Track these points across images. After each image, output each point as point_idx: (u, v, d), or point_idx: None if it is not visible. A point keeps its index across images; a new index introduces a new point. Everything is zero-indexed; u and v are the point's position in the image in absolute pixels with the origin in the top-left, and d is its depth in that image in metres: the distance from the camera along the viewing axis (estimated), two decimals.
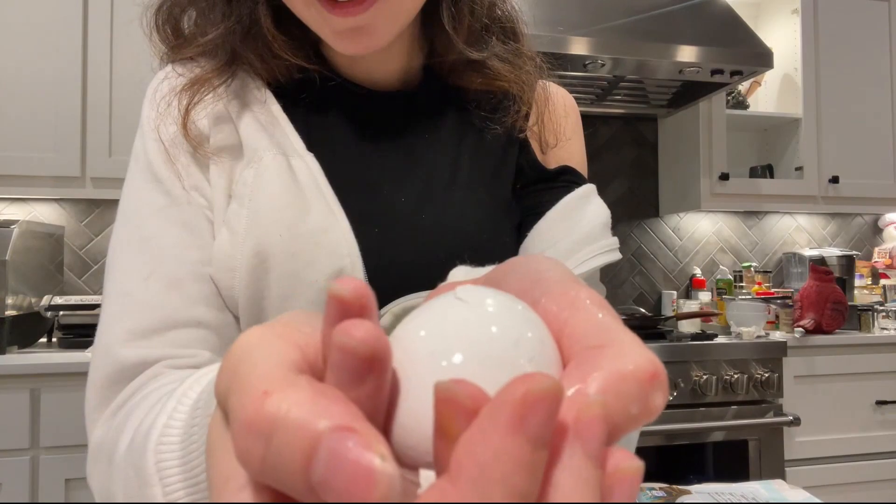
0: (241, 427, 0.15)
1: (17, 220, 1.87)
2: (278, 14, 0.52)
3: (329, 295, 0.17)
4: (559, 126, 0.61)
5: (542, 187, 0.58)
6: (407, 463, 0.17)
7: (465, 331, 0.17)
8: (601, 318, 0.18)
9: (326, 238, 0.50)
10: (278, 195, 0.50)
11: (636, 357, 0.17)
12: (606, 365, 0.16)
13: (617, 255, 0.54)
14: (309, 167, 0.51)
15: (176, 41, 0.55)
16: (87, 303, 1.84)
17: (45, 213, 2.21)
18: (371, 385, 0.16)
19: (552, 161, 0.61)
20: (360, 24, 0.47)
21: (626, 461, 0.15)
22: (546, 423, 0.14)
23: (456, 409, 0.15)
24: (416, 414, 0.16)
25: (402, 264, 0.51)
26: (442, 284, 0.23)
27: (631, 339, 0.17)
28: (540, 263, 0.21)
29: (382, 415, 0.17)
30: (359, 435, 0.14)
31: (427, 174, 0.56)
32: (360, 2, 0.46)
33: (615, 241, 0.55)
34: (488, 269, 0.23)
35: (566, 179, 0.58)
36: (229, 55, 0.53)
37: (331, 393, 0.15)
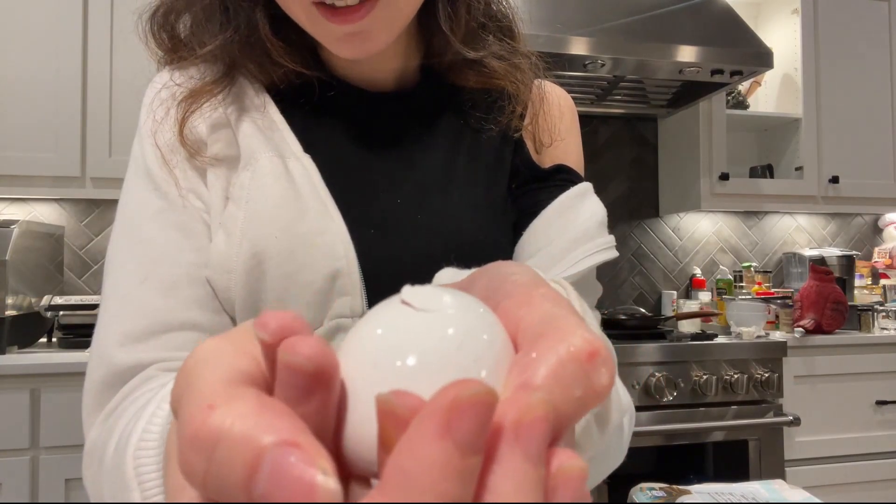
0: (184, 440, 0.15)
1: (17, 220, 1.87)
2: (275, 20, 0.52)
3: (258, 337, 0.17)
4: (554, 126, 0.61)
5: (538, 186, 0.58)
6: (359, 474, 0.17)
7: (408, 337, 0.17)
8: (549, 309, 0.18)
9: (322, 239, 0.50)
10: (275, 197, 0.50)
11: (574, 339, 0.17)
12: (545, 352, 0.16)
13: (613, 254, 0.54)
14: (306, 169, 0.52)
15: (173, 46, 0.55)
16: (86, 303, 1.84)
17: (45, 213, 2.21)
18: (318, 400, 0.16)
19: (547, 161, 0.61)
20: (358, 30, 0.47)
21: (570, 460, 0.15)
22: (476, 428, 0.14)
23: (395, 420, 0.15)
24: (363, 425, 0.16)
25: (398, 265, 0.51)
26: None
27: (572, 323, 0.17)
28: (509, 268, 0.21)
29: (332, 427, 0.17)
30: (302, 450, 0.14)
31: (423, 175, 0.56)
32: (358, 8, 0.46)
33: (611, 239, 0.55)
34: (469, 272, 0.23)
35: (562, 178, 0.58)
36: (228, 63, 0.53)
37: (277, 407, 0.15)
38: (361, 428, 0.16)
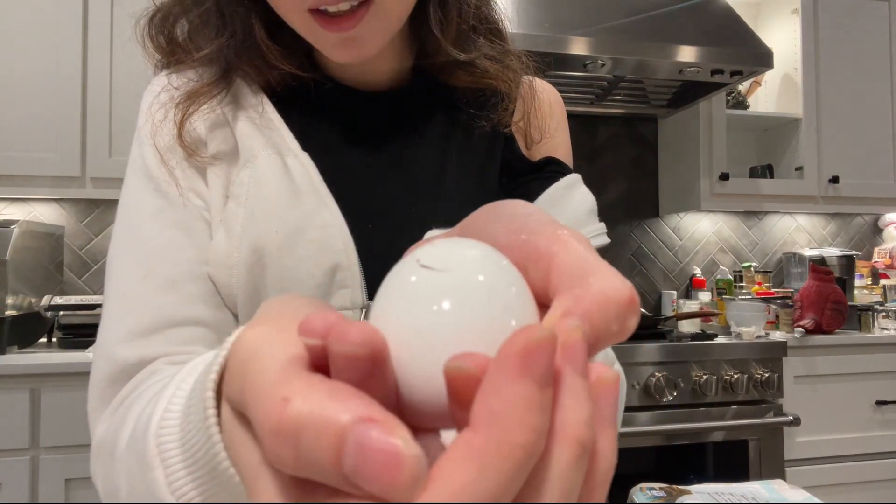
0: (268, 435, 0.16)
1: (17, 220, 1.87)
2: (270, 25, 0.53)
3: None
4: (544, 123, 0.63)
5: (529, 178, 0.60)
6: (423, 427, 0.18)
7: (439, 299, 0.18)
8: (581, 251, 0.20)
9: (322, 234, 0.51)
10: (274, 193, 0.51)
11: (617, 284, 0.19)
12: (592, 290, 0.19)
13: (605, 240, 0.56)
14: (304, 166, 0.53)
15: (170, 49, 0.57)
16: (87, 303, 1.84)
17: (45, 213, 2.21)
18: (378, 377, 0.17)
19: (537, 156, 0.63)
20: (351, 37, 0.49)
21: (605, 371, 0.18)
22: (547, 365, 0.16)
23: (466, 379, 0.16)
24: (423, 387, 0.18)
25: (396, 256, 0.52)
26: (419, 242, 0.24)
27: (610, 270, 0.20)
28: (522, 208, 0.23)
29: (393, 397, 0.18)
30: (380, 423, 0.15)
31: (417, 171, 0.57)
32: (351, 16, 0.48)
33: (602, 226, 0.57)
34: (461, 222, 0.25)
35: (552, 170, 0.60)
36: (225, 66, 0.55)
37: (344, 388, 0.16)
38: (422, 390, 0.18)
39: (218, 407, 0.28)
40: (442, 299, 0.18)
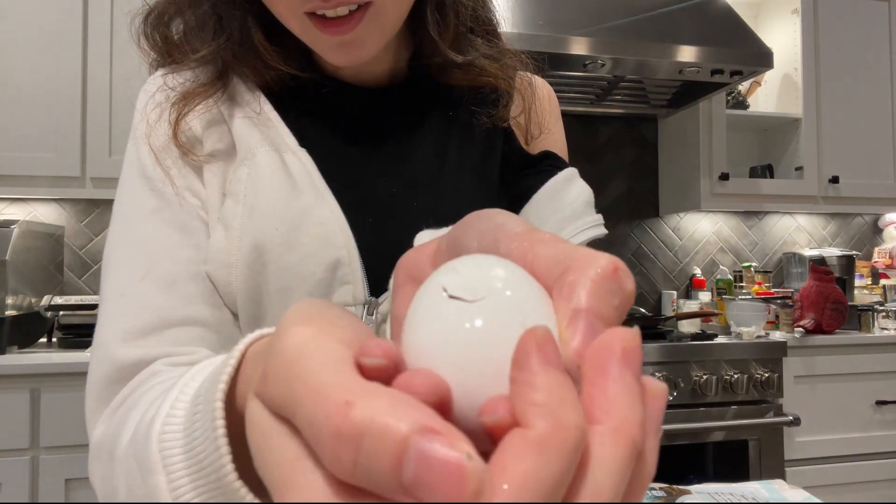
0: (329, 436, 0.16)
1: (17, 220, 1.87)
2: (267, 25, 0.53)
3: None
4: (543, 118, 0.65)
5: (528, 172, 0.61)
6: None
7: (475, 331, 0.18)
8: (558, 245, 0.21)
9: (323, 230, 0.51)
10: (273, 190, 0.51)
11: (597, 261, 0.20)
12: (580, 279, 0.19)
13: (603, 231, 0.57)
14: (302, 162, 0.53)
15: (166, 49, 0.56)
16: (87, 303, 1.84)
17: (45, 213, 2.21)
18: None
19: (535, 151, 0.64)
20: (349, 40, 0.49)
21: (655, 382, 0.19)
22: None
23: (505, 428, 0.17)
24: (471, 418, 0.18)
25: (397, 250, 0.52)
26: (409, 251, 0.25)
27: (587, 252, 0.20)
28: (497, 217, 0.23)
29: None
30: (443, 435, 0.15)
31: (415, 166, 0.57)
32: (349, 20, 0.48)
33: (599, 217, 0.58)
34: (447, 229, 0.25)
35: (549, 164, 0.61)
36: (221, 67, 0.55)
37: (407, 398, 0.16)
38: (472, 420, 0.18)
39: (225, 409, 0.28)
40: (478, 331, 0.18)
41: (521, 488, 0.15)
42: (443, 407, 0.17)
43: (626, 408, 0.17)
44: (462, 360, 0.18)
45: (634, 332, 0.18)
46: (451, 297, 0.19)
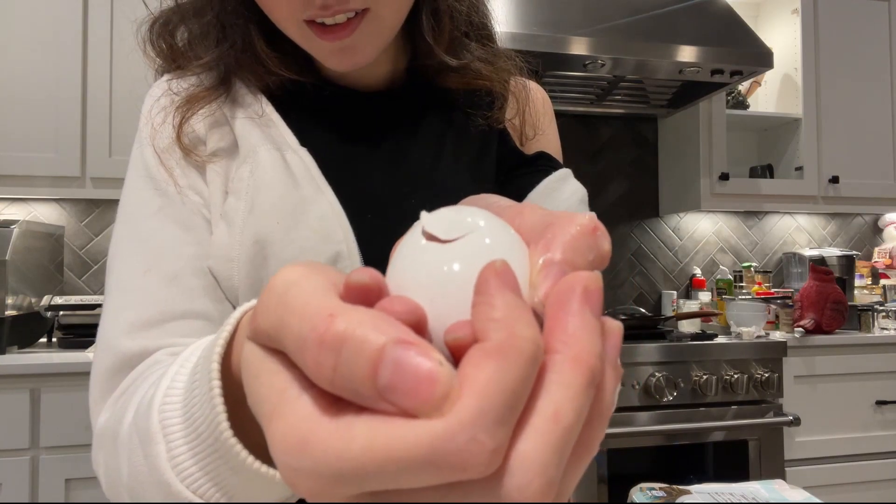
0: (313, 344, 0.17)
1: (17, 220, 1.87)
2: (268, 32, 0.55)
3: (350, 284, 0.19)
4: (537, 120, 0.67)
5: (522, 172, 0.62)
6: None
7: (450, 265, 0.20)
8: (544, 211, 0.22)
9: (322, 224, 0.52)
10: (275, 186, 0.52)
11: (578, 219, 0.21)
12: (559, 232, 0.21)
13: None
14: (303, 161, 0.54)
15: (171, 55, 0.58)
16: (87, 303, 1.84)
17: (45, 213, 2.21)
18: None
19: (529, 151, 0.65)
20: (347, 46, 0.50)
21: (612, 321, 0.21)
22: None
23: (464, 347, 0.18)
24: (440, 337, 0.19)
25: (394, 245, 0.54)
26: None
27: (568, 214, 0.22)
28: (490, 198, 0.25)
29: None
30: (417, 345, 0.17)
31: (412, 165, 0.59)
32: (346, 26, 0.49)
33: (593, 215, 0.58)
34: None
35: (544, 164, 0.62)
36: (224, 73, 0.56)
37: (385, 315, 0.18)
38: (440, 340, 0.19)
39: (222, 379, 0.29)
40: (452, 265, 0.20)
41: (483, 394, 0.16)
42: (419, 329, 0.18)
43: (584, 340, 0.18)
44: (434, 293, 0.20)
45: (596, 274, 0.19)
46: (429, 236, 0.21)
